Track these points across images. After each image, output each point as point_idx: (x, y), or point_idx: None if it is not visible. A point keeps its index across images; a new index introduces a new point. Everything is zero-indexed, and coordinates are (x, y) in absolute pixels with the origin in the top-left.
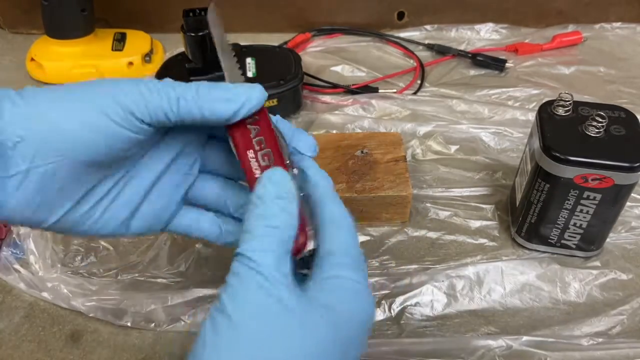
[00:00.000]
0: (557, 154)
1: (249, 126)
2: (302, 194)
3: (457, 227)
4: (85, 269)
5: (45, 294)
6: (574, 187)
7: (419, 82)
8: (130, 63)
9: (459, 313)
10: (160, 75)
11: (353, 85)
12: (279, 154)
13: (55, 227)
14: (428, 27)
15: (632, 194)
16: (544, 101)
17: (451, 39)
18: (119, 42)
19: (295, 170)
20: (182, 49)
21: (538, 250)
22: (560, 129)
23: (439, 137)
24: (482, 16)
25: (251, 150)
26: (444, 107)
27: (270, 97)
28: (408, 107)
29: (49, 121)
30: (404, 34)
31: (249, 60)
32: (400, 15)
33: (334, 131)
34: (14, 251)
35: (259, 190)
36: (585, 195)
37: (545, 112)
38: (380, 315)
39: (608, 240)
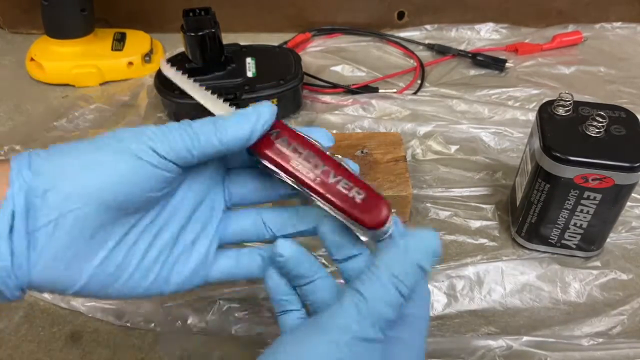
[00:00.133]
0: (558, 154)
1: (276, 141)
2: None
3: (457, 227)
4: None
5: (45, 294)
6: (574, 187)
7: (419, 82)
8: (130, 63)
9: (459, 313)
10: (161, 75)
11: (353, 85)
12: (317, 150)
13: (87, 288)
14: (428, 27)
15: (633, 194)
16: (544, 101)
17: (451, 38)
18: (119, 42)
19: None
20: (182, 49)
21: (538, 251)
22: (560, 129)
23: (439, 137)
24: (482, 16)
25: (293, 160)
26: (444, 107)
27: (270, 97)
28: (408, 107)
29: (79, 166)
30: (404, 34)
31: (248, 60)
32: (400, 15)
33: (334, 131)
34: None
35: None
36: (585, 195)
37: (546, 112)
38: None
39: (608, 240)
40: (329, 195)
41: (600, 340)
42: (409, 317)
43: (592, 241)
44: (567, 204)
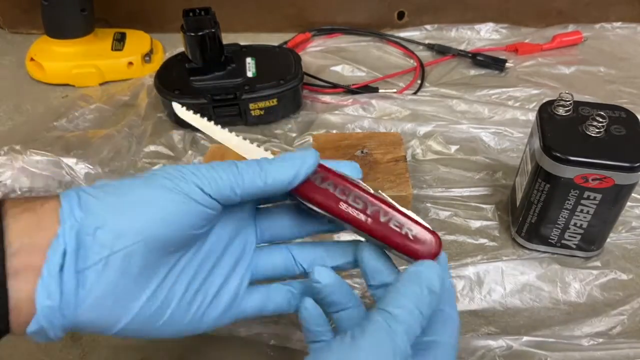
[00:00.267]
0: (558, 154)
1: (322, 185)
2: None
3: (458, 227)
4: None
5: None
6: (574, 187)
7: (419, 82)
8: (130, 63)
9: (459, 313)
10: (161, 75)
11: (353, 85)
12: (363, 189)
13: (129, 327)
14: (428, 27)
15: (633, 194)
16: (544, 101)
17: (451, 38)
18: (119, 42)
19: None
20: (182, 48)
21: (538, 251)
22: (560, 129)
23: (439, 137)
24: (482, 16)
25: (342, 203)
26: (444, 107)
27: (270, 97)
28: (408, 107)
29: (129, 203)
30: (404, 34)
31: (248, 60)
32: (400, 15)
33: (334, 131)
34: None
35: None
36: (585, 195)
37: (546, 112)
38: None
39: (608, 240)
40: (383, 235)
41: (601, 340)
42: (441, 314)
43: (592, 241)
44: (567, 204)
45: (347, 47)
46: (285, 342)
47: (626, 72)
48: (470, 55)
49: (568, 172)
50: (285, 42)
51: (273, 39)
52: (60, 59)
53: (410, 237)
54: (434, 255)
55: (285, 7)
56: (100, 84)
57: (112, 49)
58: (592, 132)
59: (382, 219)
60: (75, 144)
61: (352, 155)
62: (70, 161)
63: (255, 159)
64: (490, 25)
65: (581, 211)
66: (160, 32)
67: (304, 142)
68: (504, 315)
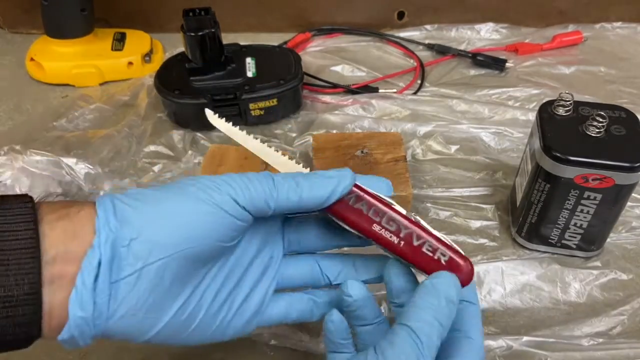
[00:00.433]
0: (558, 154)
1: (355, 205)
2: None
3: (458, 227)
4: None
5: None
6: (574, 187)
7: (419, 82)
8: (130, 63)
9: None
10: (161, 75)
11: (353, 85)
12: (397, 211)
13: (158, 336)
14: (428, 26)
15: (633, 194)
16: (544, 101)
17: (451, 38)
18: (119, 42)
19: None
20: (182, 48)
21: (538, 251)
22: (560, 129)
23: (439, 137)
24: (482, 16)
25: (375, 224)
26: (444, 107)
27: (270, 97)
28: (408, 107)
29: (164, 214)
30: (404, 34)
31: (248, 60)
32: (400, 15)
33: (334, 131)
34: None
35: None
36: (585, 195)
37: (546, 112)
38: None
39: (608, 240)
40: (415, 260)
41: (601, 340)
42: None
43: (592, 241)
44: (567, 204)
45: (347, 47)
46: (285, 342)
47: (626, 72)
48: (470, 55)
49: (568, 172)
50: (285, 42)
51: (273, 39)
52: (60, 59)
53: (443, 262)
54: (465, 283)
55: (285, 7)
56: (100, 84)
57: (112, 49)
58: (592, 132)
59: (415, 243)
60: (75, 144)
61: (352, 155)
62: (70, 161)
63: (291, 172)
64: (490, 25)
65: (581, 211)
66: (160, 32)
67: (304, 142)
68: (504, 315)
